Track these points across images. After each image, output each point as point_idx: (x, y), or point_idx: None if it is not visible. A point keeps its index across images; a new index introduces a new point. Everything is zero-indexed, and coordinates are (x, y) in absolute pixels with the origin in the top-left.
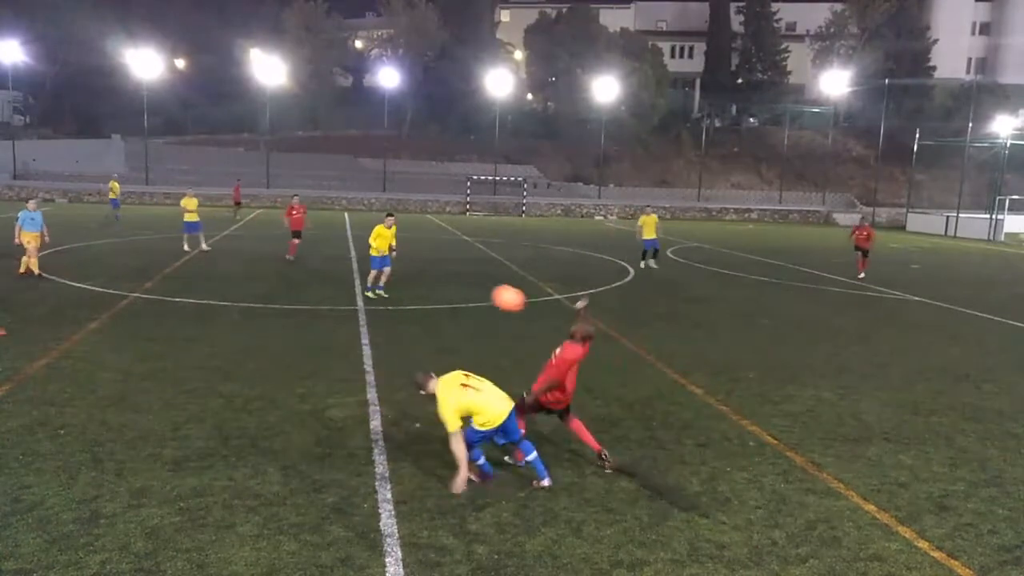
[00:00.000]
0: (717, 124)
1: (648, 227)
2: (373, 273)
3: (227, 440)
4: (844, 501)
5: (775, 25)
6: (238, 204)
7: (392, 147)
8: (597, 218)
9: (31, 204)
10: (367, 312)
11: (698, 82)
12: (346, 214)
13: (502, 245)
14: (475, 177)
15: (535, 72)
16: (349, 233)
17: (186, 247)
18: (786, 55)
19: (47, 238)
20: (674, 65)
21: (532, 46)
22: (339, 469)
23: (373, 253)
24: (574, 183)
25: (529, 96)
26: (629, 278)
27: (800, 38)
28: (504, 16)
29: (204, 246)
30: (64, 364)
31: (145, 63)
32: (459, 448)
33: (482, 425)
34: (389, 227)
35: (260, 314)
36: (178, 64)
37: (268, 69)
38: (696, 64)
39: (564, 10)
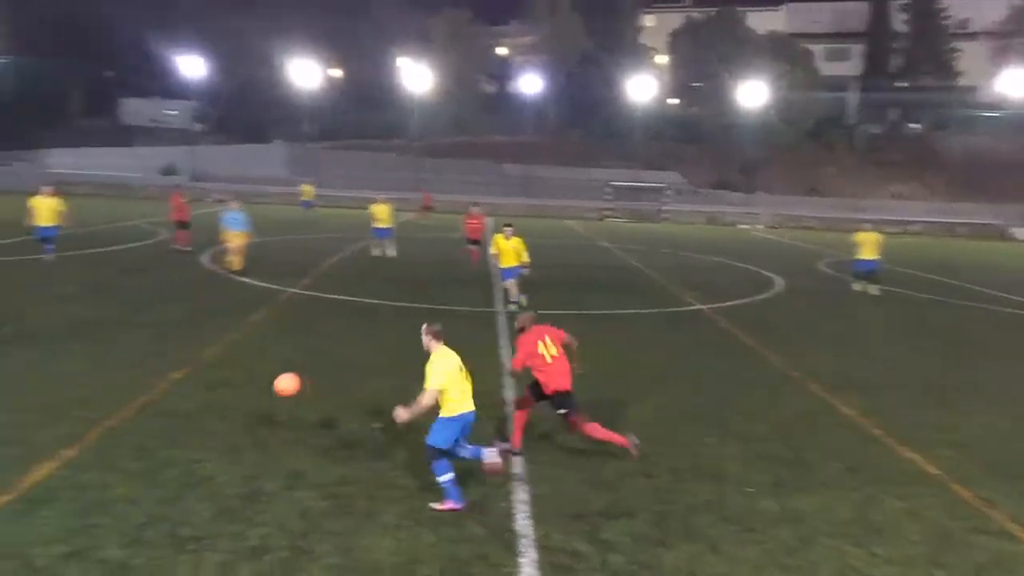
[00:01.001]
0: (875, 130)
1: (868, 245)
2: (506, 284)
3: (373, 431)
4: (1021, 546)
5: (944, 23)
6: (428, 209)
7: (534, 152)
8: (742, 226)
9: (234, 204)
10: (506, 316)
11: (854, 85)
12: (489, 219)
13: (641, 252)
14: (615, 182)
15: (679, 76)
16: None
17: (374, 252)
18: (956, 55)
19: (249, 237)
20: (827, 68)
21: (677, 50)
22: (476, 467)
23: (500, 265)
24: (719, 190)
25: (672, 100)
26: (776, 290)
27: (973, 36)
28: (648, 21)
29: (391, 251)
30: (232, 353)
31: (304, 74)
32: (426, 403)
33: (450, 412)
34: (508, 238)
35: (408, 313)
36: (333, 74)
37: (416, 77)
38: (851, 67)
39: (712, 13)
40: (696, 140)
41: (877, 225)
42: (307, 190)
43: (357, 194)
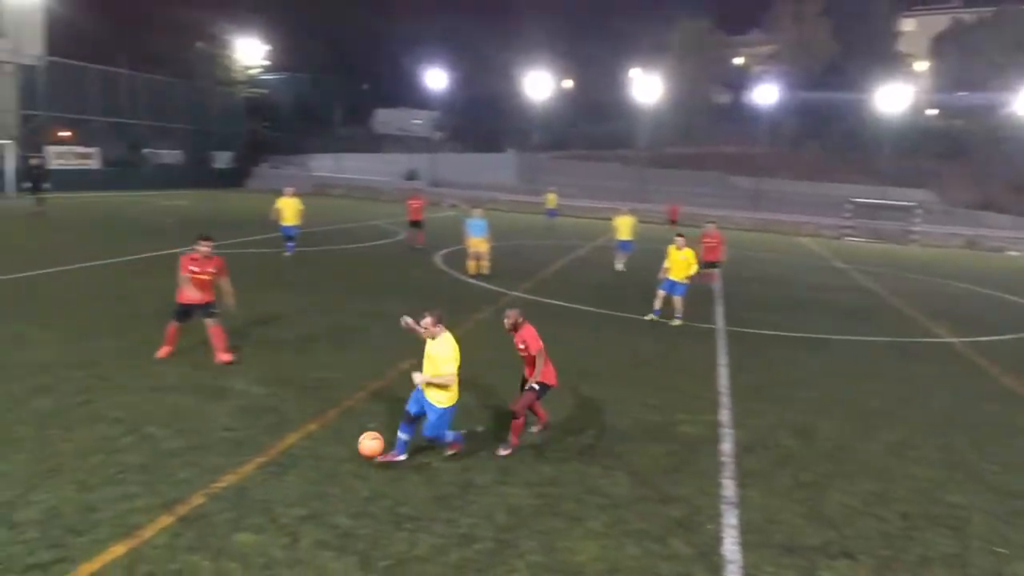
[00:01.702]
0: None
1: None
2: (660, 295)
3: (581, 437)
4: None
5: None
6: (675, 223)
7: (767, 165)
8: (1011, 253)
9: (477, 212)
10: (727, 333)
11: None
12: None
13: (882, 276)
14: (856, 199)
15: (940, 84)
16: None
17: (618, 266)
18: None
19: (490, 242)
20: None
21: (940, 55)
22: (686, 485)
23: (670, 277)
24: (981, 211)
25: (931, 111)
26: None
27: None
28: (908, 25)
29: (619, 265)
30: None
31: (538, 85)
32: (447, 382)
33: (451, 401)
34: (680, 248)
35: (620, 322)
36: (565, 85)
37: (647, 87)
38: None
39: (986, 14)
40: (956, 155)
41: None
42: (551, 198)
43: (583, 203)
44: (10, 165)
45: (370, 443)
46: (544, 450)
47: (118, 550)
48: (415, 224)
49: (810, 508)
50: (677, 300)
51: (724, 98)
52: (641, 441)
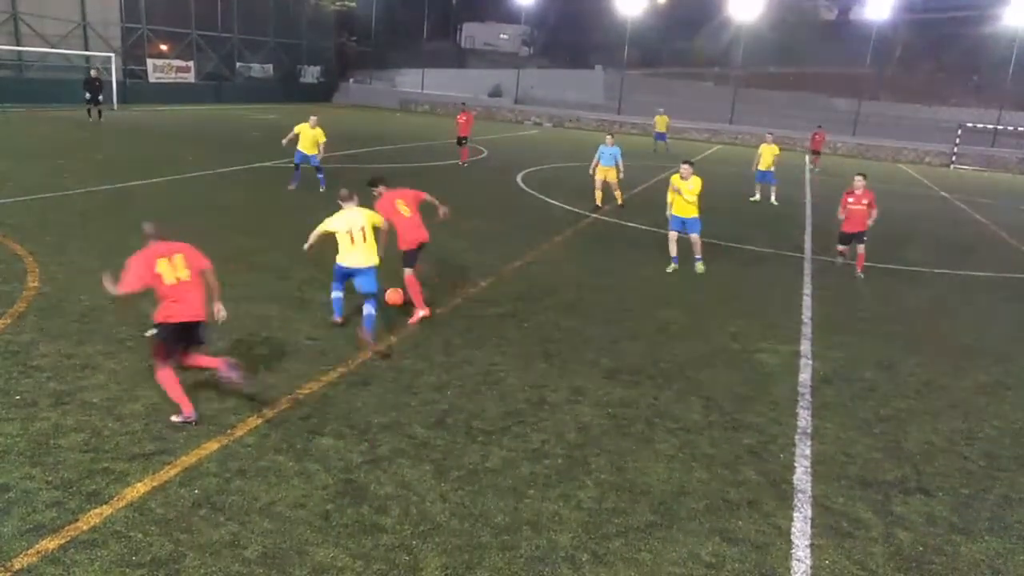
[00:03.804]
0: None
1: None
2: (672, 237)
3: (657, 361)
4: None
5: None
6: (816, 152)
7: (871, 86)
8: None
9: (608, 139)
10: (813, 262)
11: None
12: (806, 157)
13: (992, 207)
14: (968, 124)
15: None
16: (807, 177)
17: (757, 196)
18: None
19: (621, 173)
20: None
21: None
22: (760, 414)
23: (669, 212)
24: None
25: None
26: None
27: None
28: None
29: (773, 200)
30: (532, 268)
31: None
32: (312, 237)
33: (337, 260)
34: (686, 178)
35: (713, 249)
36: None
37: (745, 1)
38: None
39: None
40: None
41: None
42: (661, 120)
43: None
44: (114, 77)
45: (392, 295)
46: (617, 372)
47: (212, 446)
48: (461, 141)
49: (888, 443)
50: (695, 239)
51: (830, 14)
52: (717, 368)
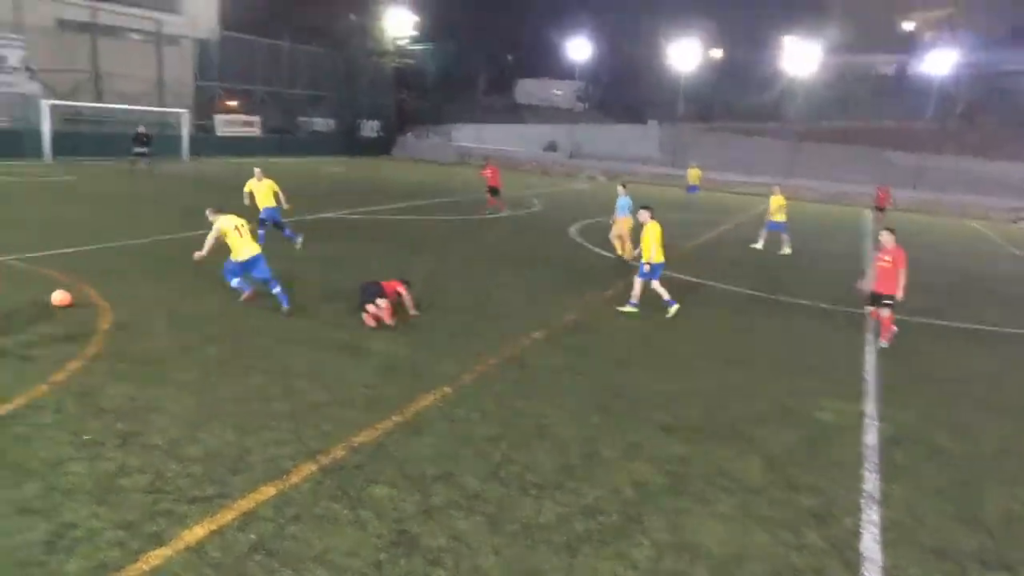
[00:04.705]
0: None
1: None
2: (637, 283)
3: (714, 418)
4: None
5: None
6: (881, 209)
7: (931, 140)
8: None
9: (620, 189)
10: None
11: None
12: (868, 212)
13: None
14: None
15: None
16: (869, 232)
17: (759, 245)
18: None
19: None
20: None
21: None
22: (822, 475)
23: (646, 260)
24: None
25: None
26: None
27: None
28: None
29: (786, 249)
30: (586, 321)
31: (684, 54)
32: (208, 241)
33: (233, 257)
34: (645, 222)
35: (764, 303)
36: (713, 54)
37: (801, 57)
38: None
39: None
40: None
41: None
42: (693, 173)
43: (729, 178)
44: (186, 131)
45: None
46: (673, 428)
47: (269, 491)
48: (493, 191)
49: (964, 510)
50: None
51: (888, 68)
52: (777, 425)
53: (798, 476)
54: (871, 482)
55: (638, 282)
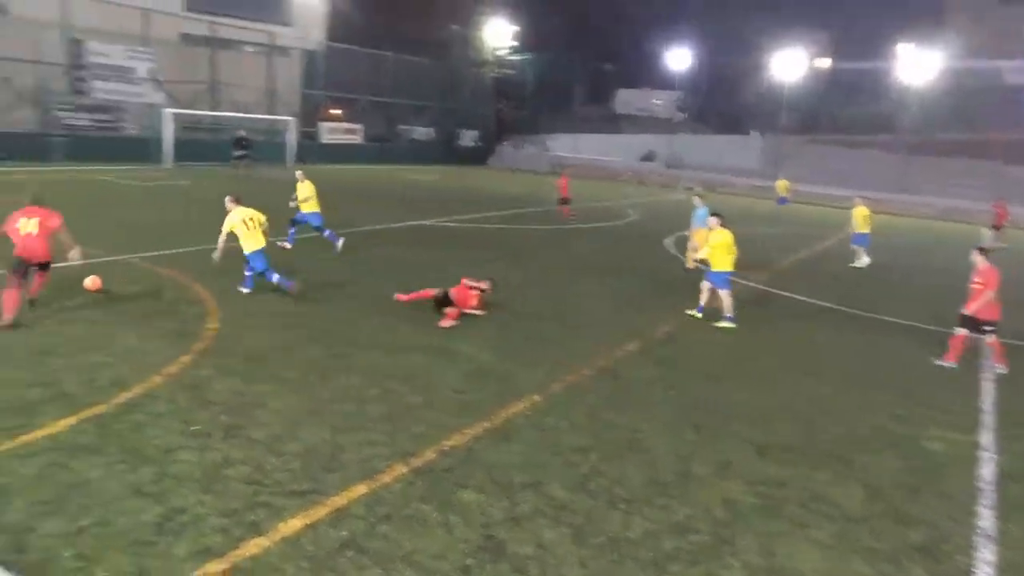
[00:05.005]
0: None
1: None
2: (725, 296)
3: (812, 440)
4: None
5: None
6: (999, 227)
7: None
8: None
9: (696, 200)
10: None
11: None
12: (985, 230)
13: None
14: None
15: None
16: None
17: (861, 263)
18: None
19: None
20: None
21: None
22: (930, 507)
23: (713, 268)
24: None
25: None
26: None
27: None
28: None
29: (860, 262)
30: (680, 333)
31: (789, 64)
32: (220, 239)
33: (246, 249)
34: (712, 228)
35: (870, 322)
36: (820, 63)
37: (917, 65)
38: None
39: None
40: None
41: None
42: (781, 185)
43: (833, 192)
44: (291, 139)
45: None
46: (769, 448)
47: (360, 489)
48: (564, 201)
49: None
50: (723, 295)
51: (1015, 78)
52: (880, 452)
53: (903, 507)
54: (986, 519)
55: (725, 294)
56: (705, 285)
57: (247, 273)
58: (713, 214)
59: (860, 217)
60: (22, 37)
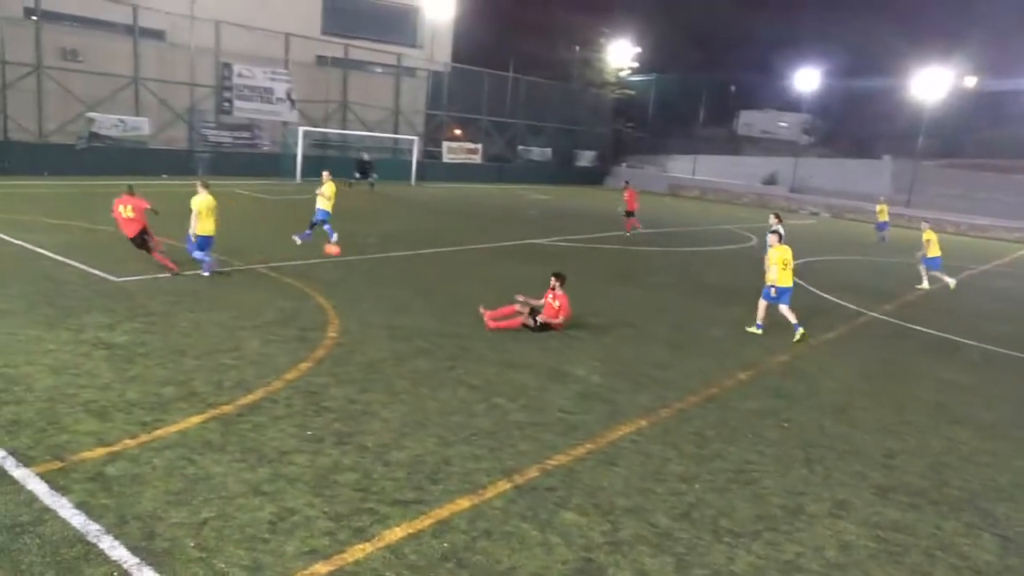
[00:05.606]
0: None
1: None
2: (761, 305)
3: (941, 485)
4: None
5: None
6: None
7: None
8: None
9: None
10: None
11: None
12: None
13: None
14: None
15: None
16: None
17: (951, 283)
18: None
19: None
20: None
21: None
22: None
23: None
24: None
25: None
26: None
27: None
28: None
29: (925, 284)
30: (797, 364)
31: (930, 84)
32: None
33: (200, 232)
34: (772, 245)
35: (1009, 360)
36: (966, 83)
37: None
38: None
39: None
40: None
41: None
42: (882, 209)
43: (970, 220)
44: (415, 157)
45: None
46: (891, 490)
47: (463, 503)
48: (629, 213)
49: None
50: (782, 309)
51: None
52: (1018, 503)
53: None
54: None
55: (761, 304)
56: (762, 302)
57: (196, 254)
58: (772, 231)
59: (933, 242)
60: (180, 62)
